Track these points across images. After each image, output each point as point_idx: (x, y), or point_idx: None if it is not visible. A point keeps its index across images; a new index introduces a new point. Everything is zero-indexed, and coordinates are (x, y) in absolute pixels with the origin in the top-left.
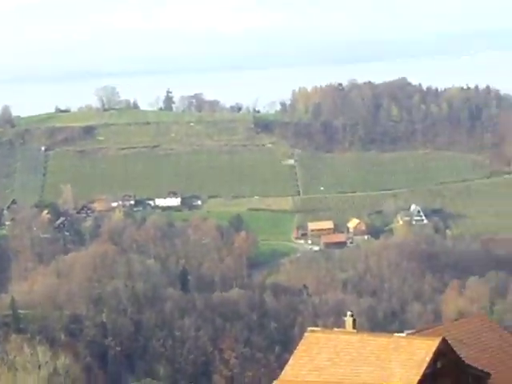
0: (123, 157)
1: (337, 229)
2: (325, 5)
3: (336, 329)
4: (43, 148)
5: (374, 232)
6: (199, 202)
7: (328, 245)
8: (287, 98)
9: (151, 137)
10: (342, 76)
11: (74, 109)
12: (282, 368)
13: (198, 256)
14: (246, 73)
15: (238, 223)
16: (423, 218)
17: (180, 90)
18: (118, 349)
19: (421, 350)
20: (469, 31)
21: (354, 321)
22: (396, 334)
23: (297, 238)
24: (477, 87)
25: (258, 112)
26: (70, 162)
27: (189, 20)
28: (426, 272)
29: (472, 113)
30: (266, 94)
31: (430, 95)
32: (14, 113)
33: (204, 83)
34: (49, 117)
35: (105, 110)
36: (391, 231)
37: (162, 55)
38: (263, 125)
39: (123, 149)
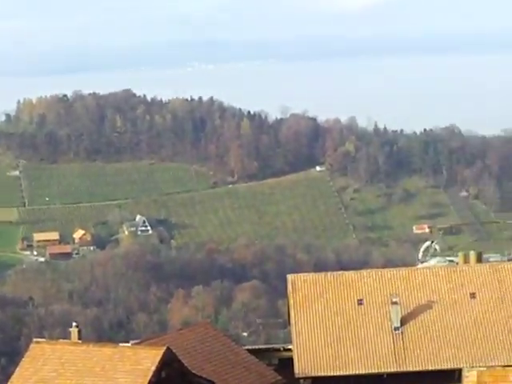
0: None
1: (62, 240)
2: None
3: (61, 340)
4: None
5: (100, 243)
6: None
7: (54, 256)
8: (12, 108)
9: None
10: (68, 86)
11: None
12: (7, 380)
13: None
14: None
15: None
16: (148, 228)
17: None
18: None
19: (146, 360)
20: (194, 42)
21: (80, 331)
22: (121, 344)
23: (22, 249)
24: (201, 98)
25: None
26: None
27: None
28: (151, 282)
29: (196, 124)
30: None
31: (154, 106)
32: None
33: None
34: None
35: None
36: (117, 242)
37: None
38: None
39: None
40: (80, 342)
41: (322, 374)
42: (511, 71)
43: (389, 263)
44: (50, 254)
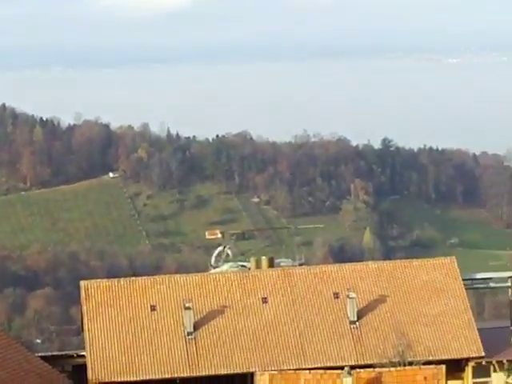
0: None
1: None
2: None
3: None
4: None
5: None
6: None
7: None
8: None
9: None
10: None
11: None
12: None
13: None
14: None
15: None
16: None
17: None
18: None
19: None
20: None
21: None
22: None
23: None
24: None
25: None
26: None
27: None
28: None
29: None
30: None
31: None
32: None
33: None
34: None
35: None
36: None
37: None
38: None
39: None
40: None
41: (116, 379)
42: (299, 80)
43: (182, 269)
44: None
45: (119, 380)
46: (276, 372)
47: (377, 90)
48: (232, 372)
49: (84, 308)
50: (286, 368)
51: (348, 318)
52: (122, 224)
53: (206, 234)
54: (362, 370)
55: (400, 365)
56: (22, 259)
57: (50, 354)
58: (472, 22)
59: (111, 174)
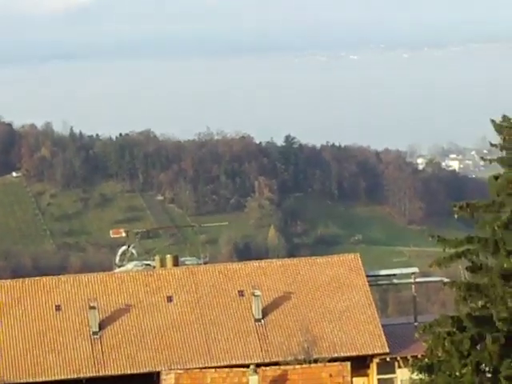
0: None
1: None
2: None
3: None
4: None
5: None
6: None
7: None
8: None
9: None
10: None
11: None
12: None
13: None
14: None
15: None
16: None
17: None
18: None
19: None
20: None
21: None
22: None
23: None
24: None
25: None
26: None
27: None
28: None
29: None
30: None
31: None
32: None
33: None
34: None
35: None
36: None
37: None
38: None
39: None
40: None
41: (23, 380)
42: (202, 77)
43: (86, 268)
44: None
45: (25, 381)
46: (182, 371)
47: (280, 88)
48: (138, 371)
49: None
50: (192, 367)
51: (253, 315)
52: (25, 223)
53: (111, 232)
54: (267, 368)
55: (305, 362)
56: None
57: None
58: (373, 19)
59: (14, 174)
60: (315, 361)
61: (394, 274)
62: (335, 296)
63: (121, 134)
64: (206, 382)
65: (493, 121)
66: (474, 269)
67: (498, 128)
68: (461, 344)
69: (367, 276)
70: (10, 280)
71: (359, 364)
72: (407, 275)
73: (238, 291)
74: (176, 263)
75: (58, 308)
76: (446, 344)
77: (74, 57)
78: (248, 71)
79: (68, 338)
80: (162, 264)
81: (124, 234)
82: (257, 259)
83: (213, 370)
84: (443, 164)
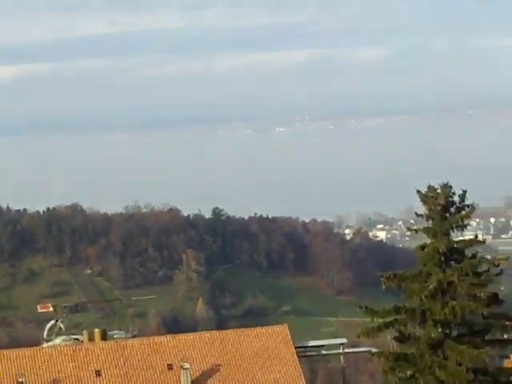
0: None
1: None
2: None
3: None
4: None
5: None
6: None
7: None
8: None
9: None
10: None
11: None
12: None
13: None
14: None
15: None
16: None
17: None
18: None
19: None
20: None
21: None
22: None
23: None
24: None
25: None
26: None
27: None
28: None
29: None
30: None
31: None
32: None
33: None
34: None
35: None
36: None
37: None
38: None
39: None
40: None
41: None
42: (129, 151)
43: (14, 343)
44: None
45: None
46: None
47: (209, 160)
48: None
49: None
50: None
51: None
52: None
53: (38, 307)
54: None
55: None
56: None
57: None
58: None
59: None
60: None
61: (323, 345)
62: (264, 368)
63: (48, 209)
64: None
65: (418, 191)
66: (401, 339)
67: (424, 198)
68: None
69: (296, 347)
70: None
71: None
72: (336, 346)
73: (167, 364)
74: (104, 337)
75: None
76: None
77: None
78: (172, 143)
79: None
80: (90, 338)
81: (51, 309)
82: (185, 332)
83: None
84: (370, 234)
